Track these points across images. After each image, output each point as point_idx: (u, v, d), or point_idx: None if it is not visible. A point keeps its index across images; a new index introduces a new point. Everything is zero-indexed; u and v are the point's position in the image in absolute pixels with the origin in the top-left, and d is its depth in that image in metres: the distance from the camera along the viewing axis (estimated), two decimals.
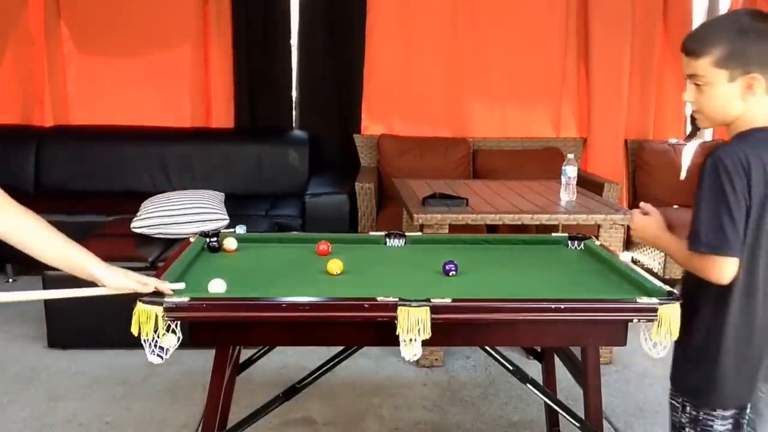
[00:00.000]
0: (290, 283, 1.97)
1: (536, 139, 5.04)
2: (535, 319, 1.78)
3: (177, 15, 4.90)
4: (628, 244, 4.13)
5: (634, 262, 2.69)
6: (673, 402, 1.73)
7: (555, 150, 4.89)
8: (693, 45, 1.55)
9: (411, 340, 1.68)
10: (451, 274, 2.03)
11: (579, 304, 1.78)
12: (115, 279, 1.69)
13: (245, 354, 2.46)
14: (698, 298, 1.65)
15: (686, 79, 1.60)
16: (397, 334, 1.68)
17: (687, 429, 1.68)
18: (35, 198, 4.63)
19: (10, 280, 4.29)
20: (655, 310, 1.74)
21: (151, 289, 1.72)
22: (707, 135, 4.97)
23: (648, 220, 1.78)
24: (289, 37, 5.01)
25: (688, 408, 1.68)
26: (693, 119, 2.66)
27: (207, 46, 4.93)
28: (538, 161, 4.77)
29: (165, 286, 1.75)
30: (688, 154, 4.79)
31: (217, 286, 1.81)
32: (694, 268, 1.60)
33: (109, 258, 3.55)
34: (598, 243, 2.39)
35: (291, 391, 2.15)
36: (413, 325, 1.67)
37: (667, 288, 1.84)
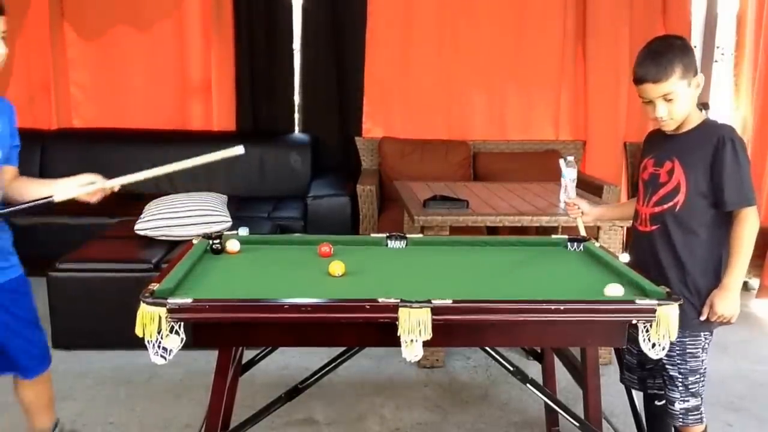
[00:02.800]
0: (292, 285, 1.99)
1: (536, 142, 5.07)
2: (535, 320, 1.79)
3: (179, 18, 4.93)
4: (627, 246, 4.14)
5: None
6: (694, 352, 2.06)
7: (555, 152, 4.91)
8: (660, 74, 1.97)
9: (412, 340, 1.69)
10: None
11: (578, 305, 1.80)
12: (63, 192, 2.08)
13: (248, 355, 2.49)
14: (715, 248, 2.04)
15: (655, 100, 2.00)
16: (398, 335, 1.69)
17: (704, 360, 2.09)
18: None
19: None
20: (653, 310, 1.76)
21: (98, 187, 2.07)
22: None
23: (726, 303, 1.99)
24: (292, 41, 5.04)
25: (708, 340, 2.08)
26: None
27: (209, 50, 4.95)
28: (538, 163, 4.79)
29: (110, 184, 2.10)
30: None
31: None
32: (751, 222, 1.97)
33: (112, 259, 3.59)
34: (597, 245, 2.41)
35: (293, 392, 2.17)
36: (414, 326, 1.69)
37: (666, 289, 1.87)
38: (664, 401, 2.21)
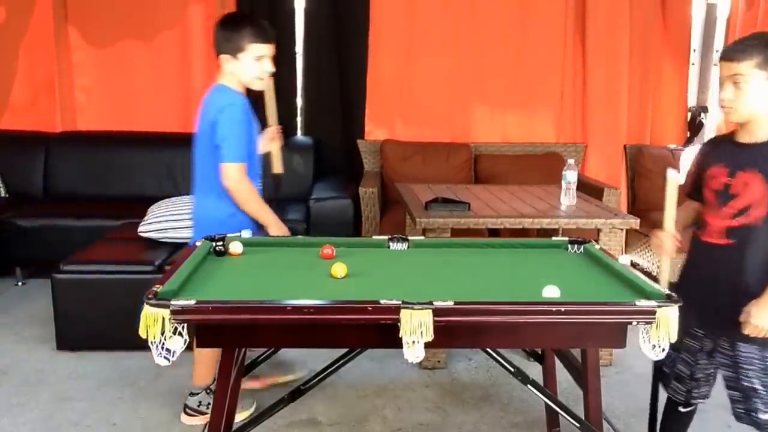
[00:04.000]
0: (295, 286, 2.00)
1: (537, 144, 5.09)
2: (536, 321, 1.80)
3: (183, 22, 4.95)
4: (627, 247, 4.15)
5: (633, 265, 2.71)
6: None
7: (555, 155, 4.93)
8: (737, 53, 1.93)
9: (414, 342, 1.70)
10: None
11: (579, 307, 1.81)
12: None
13: (250, 356, 2.50)
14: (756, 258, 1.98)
15: (725, 81, 1.95)
16: (400, 336, 1.71)
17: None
18: (45, 203, 4.69)
19: (20, 283, 4.31)
20: (653, 312, 1.77)
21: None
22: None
23: (763, 315, 1.93)
24: (294, 44, 5.06)
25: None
26: (691, 124, 2.69)
27: (212, 53, 4.96)
28: (539, 166, 4.81)
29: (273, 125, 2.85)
30: (686, 159, 4.81)
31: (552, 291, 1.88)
32: None
33: (116, 261, 3.58)
34: (597, 247, 2.41)
35: (296, 393, 2.17)
36: (416, 327, 1.70)
37: (666, 291, 1.88)
38: (690, 408, 2.27)
